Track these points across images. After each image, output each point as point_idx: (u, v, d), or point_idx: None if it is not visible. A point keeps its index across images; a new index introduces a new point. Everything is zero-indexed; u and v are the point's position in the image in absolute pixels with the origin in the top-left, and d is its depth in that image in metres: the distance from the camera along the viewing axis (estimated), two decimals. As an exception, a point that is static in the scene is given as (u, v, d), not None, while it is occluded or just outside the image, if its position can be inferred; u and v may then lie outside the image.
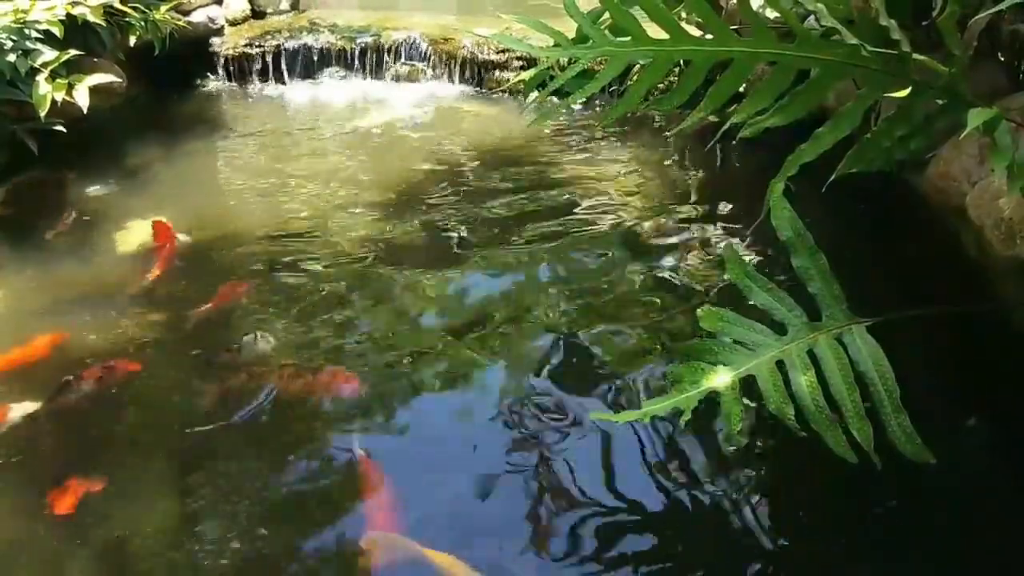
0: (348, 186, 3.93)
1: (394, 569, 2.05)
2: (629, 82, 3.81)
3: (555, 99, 3.72)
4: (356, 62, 5.29)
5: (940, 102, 2.11)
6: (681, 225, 3.52)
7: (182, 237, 3.40)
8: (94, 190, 3.83)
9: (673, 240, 3.39)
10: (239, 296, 3.05)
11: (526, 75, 3.26)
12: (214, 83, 5.30)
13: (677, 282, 3.13)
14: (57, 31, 3.86)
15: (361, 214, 3.63)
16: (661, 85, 4.04)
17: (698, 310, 2.23)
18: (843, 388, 2.03)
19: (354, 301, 3.02)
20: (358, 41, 5.30)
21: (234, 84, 5.30)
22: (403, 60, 5.26)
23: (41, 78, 3.77)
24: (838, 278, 2.22)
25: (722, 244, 3.32)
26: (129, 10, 4.33)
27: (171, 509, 2.17)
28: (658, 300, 3.03)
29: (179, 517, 2.15)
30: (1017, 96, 2.39)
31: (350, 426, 2.44)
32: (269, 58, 5.28)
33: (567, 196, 3.78)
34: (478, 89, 5.17)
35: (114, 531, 2.10)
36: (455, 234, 3.46)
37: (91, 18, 4.04)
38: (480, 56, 5.14)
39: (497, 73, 5.12)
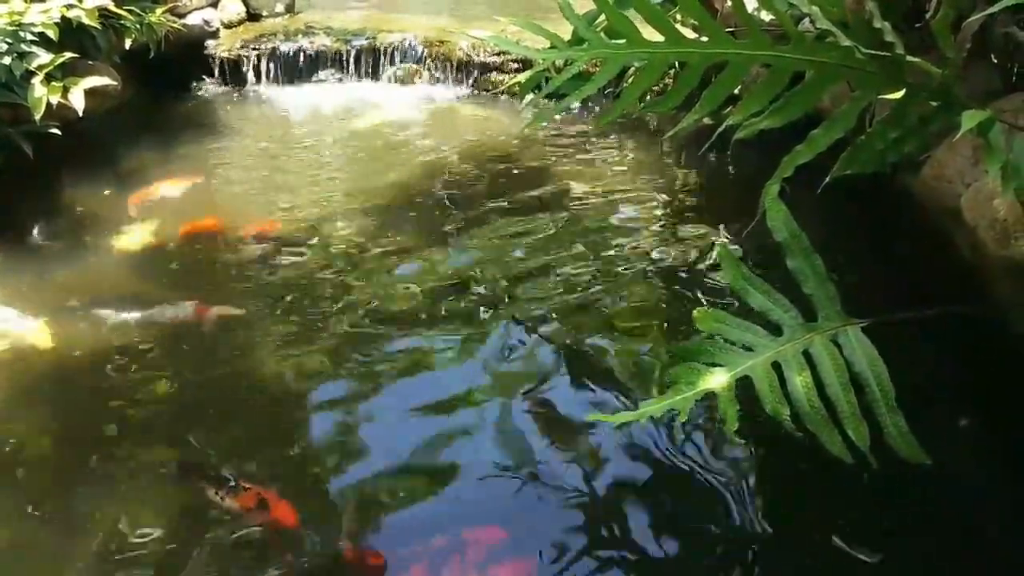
0: (343, 188, 3.93)
1: None
2: (625, 84, 3.83)
3: (551, 101, 3.72)
4: (351, 65, 5.29)
5: (934, 104, 2.12)
6: (677, 227, 3.53)
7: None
8: (89, 192, 3.82)
9: (669, 241, 3.40)
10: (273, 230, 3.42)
11: (522, 77, 3.26)
12: (209, 86, 5.29)
13: (673, 283, 3.14)
14: (52, 34, 3.85)
15: (356, 216, 3.63)
16: (656, 87, 4.04)
17: (694, 311, 2.24)
18: (839, 388, 2.04)
19: (348, 303, 3.02)
20: (353, 44, 5.30)
21: (229, 87, 5.29)
22: (398, 62, 5.26)
23: (36, 81, 3.76)
24: (833, 279, 2.23)
25: (718, 246, 3.32)
26: (124, 13, 4.32)
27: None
28: (654, 301, 3.03)
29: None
30: (1011, 98, 2.40)
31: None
32: (264, 61, 5.28)
33: (563, 198, 3.78)
34: (474, 91, 5.17)
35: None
36: (451, 236, 3.46)
37: (86, 21, 4.03)
38: (476, 58, 5.15)
39: (493, 75, 5.13)
